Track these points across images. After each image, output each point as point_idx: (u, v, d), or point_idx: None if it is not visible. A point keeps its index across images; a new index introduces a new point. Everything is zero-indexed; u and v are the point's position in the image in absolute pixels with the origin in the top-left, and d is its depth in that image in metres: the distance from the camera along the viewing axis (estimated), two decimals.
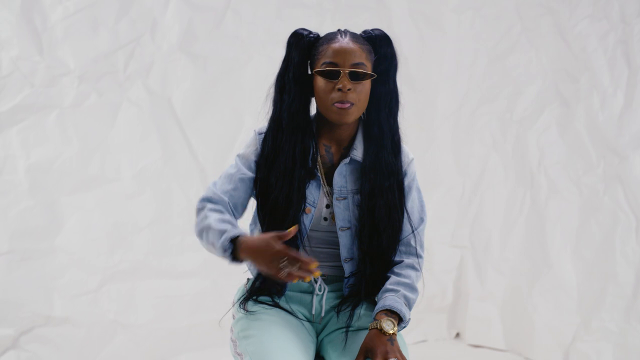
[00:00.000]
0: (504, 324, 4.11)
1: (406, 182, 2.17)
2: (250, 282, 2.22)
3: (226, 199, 2.11)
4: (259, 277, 2.16)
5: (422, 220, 2.20)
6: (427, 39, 4.24)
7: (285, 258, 1.81)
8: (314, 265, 1.80)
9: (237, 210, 2.15)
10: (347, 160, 2.12)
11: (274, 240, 1.85)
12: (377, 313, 2.03)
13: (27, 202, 3.44)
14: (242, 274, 2.34)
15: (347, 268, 2.16)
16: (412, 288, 2.10)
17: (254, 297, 2.17)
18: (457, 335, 4.34)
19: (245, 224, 2.24)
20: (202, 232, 2.06)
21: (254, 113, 3.83)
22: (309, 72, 2.13)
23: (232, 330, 2.18)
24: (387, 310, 2.03)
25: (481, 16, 4.20)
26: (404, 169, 2.17)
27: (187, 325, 3.76)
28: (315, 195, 2.12)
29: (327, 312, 2.19)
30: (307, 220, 2.12)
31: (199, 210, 2.11)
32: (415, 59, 4.22)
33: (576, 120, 3.88)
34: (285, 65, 2.13)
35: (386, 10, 4.14)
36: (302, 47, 2.10)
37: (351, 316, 2.12)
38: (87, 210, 3.58)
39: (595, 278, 3.78)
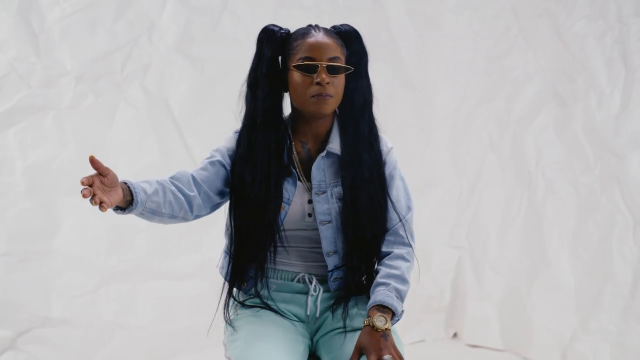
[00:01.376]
0: (502, 324, 4.11)
1: (387, 171, 2.17)
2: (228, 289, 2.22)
3: (190, 173, 2.14)
4: (237, 280, 2.17)
5: (409, 208, 2.19)
6: (425, 40, 4.24)
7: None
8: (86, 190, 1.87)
9: (200, 186, 2.13)
10: (323, 153, 2.13)
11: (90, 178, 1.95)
12: (370, 309, 2.03)
13: (25, 204, 3.44)
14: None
15: (330, 262, 2.15)
16: (403, 279, 2.09)
17: (244, 301, 2.18)
18: (455, 335, 4.35)
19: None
20: None
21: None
22: (281, 68, 2.13)
23: (224, 333, 2.19)
24: (379, 305, 2.02)
25: (479, 17, 4.21)
26: (383, 159, 2.17)
27: (185, 326, 3.76)
28: (290, 192, 2.13)
29: (321, 313, 2.19)
30: (281, 217, 2.13)
31: None
32: (413, 60, 4.22)
33: (573, 120, 3.89)
34: (257, 62, 2.14)
35: (384, 11, 4.14)
36: (274, 42, 2.12)
37: (345, 316, 2.12)
38: (85, 211, 3.57)
39: (593, 278, 3.78)
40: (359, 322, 2.12)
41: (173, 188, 2.08)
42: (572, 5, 3.89)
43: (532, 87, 4.06)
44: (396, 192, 2.18)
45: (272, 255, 2.14)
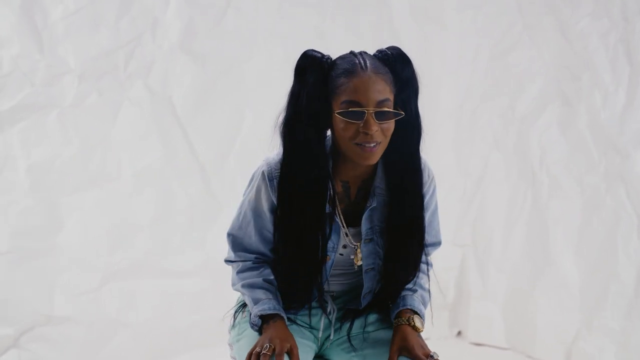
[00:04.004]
0: (506, 322, 4.10)
1: (425, 200, 2.07)
2: None
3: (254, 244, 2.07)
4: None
5: (438, 241, 2.20)
6: (428, 37, 4.23)
7: (273, 347, 1.84)
8: None
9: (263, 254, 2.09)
10: (372, 202, 2.00)
11: (286, 344, 1.88)
12: (402, 311, 2.02)
13: (28, 202, 3.44)
14: None
15: (365, 302, 2.12)
16: (426, 289, 2.14)
17: None
18: (459, 333, 4.34)
19: None
20: (238, 291, 2.10)
21: (255, 111, 3.85)
22: (325, 102, 1.89)
23: (229, 334, 2.18)
24: (409, 309, 2.04)
25: (483, 14, 4.19)
26: (425, 189, 2.07)
27: (188, 324, 3.76)
28: (334, 241, 2.03)
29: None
30: (326, 267, 2.04)
31: (231, 264, 2.11)
32: (416, 57, 4.18)
33: (578, 118, 3.87)
34: (296, 93, 1.89)
35: (387, 8, 4.13)
36: (317, 73, 1.88)
37: (350, 329, 2.11)
38: (87, 209, 3.58)
39: (597, 277, 3.77)
40: (376, 326, 2.11)
41: (268, 270, 2.07)
42: (577, 2, 3.88)
43: (536, 84, 4.04)
44: (430, 217, 2.12)
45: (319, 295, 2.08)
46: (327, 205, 1.95)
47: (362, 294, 2.10)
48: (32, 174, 3.45)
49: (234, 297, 2.30)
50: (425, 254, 2.16)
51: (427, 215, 2.09)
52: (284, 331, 1.93)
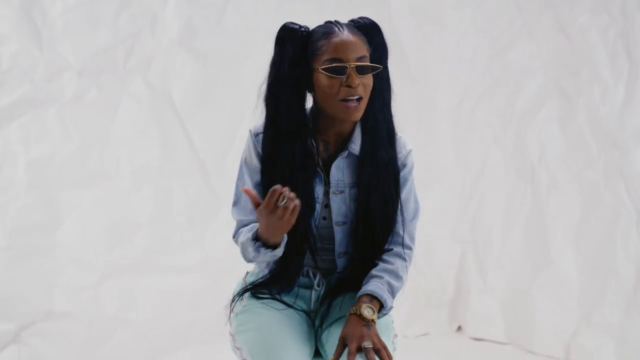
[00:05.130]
0: (505, 318, 4.11)
1: (402, 173, 2.13)
2: (253, 276, 2.21)
3: (254, 217, 2.08)
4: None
5: (416, 212, 2.18)
6: (427, 34, 4.23)
7: (283, 197, 1.83)
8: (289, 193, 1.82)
9: None
10: (345, 153, 2.09)
11: (264, 204, 1.85)
12: (359, 298, 2.02)
13: (27, 198, 3.44)
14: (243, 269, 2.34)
15: (340, 263, 2.14)
16: (397, 276, 2.08)
17: (253, 292, 2.16)
18: (459, 328, 4.34)
19: None
20: (246, 255, 2.06)
21: (254, 108, 3.85)
22: (304, 68, 2.03)
23: (230, 325, 2.17)
24: (369, 295, 2.02)
25: (481, 11, 4.19)
26: (401, 161, 2.13)
27: (187, 320, 3.76)
28: (319, 193, 2.09)
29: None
30: (315, 218, 2.10)
31: (237, 240, 2.11)
32: (415, 55, 4.21)
33: (577, 114, 3.88)
34: (277, 62, 2.05)
35: (386, 6, 4.13)
36: (295, 41, 2.03)
37: (328, 309, 2.12)
38: (87, 206, 3.58)
39: (596, 273, 3.77)
40: (346, 311, 2.10)
41: None
42: None
43: (535, 81, 4.04)
44: (406, 194, 2.15)
45: (313, 256, 2.12)
46: (310, 165, 2.06)
47: (336, 253, 2.13)
48: (32, 170, 3.45)
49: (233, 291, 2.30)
50: (407, 233, 2.15)
51: (404, 192, 2.14)
52: (259, 210, 1.91)
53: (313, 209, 2.07)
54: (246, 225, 2.10)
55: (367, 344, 1.91)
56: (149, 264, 3.70)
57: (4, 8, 3.38)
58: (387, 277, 2.06)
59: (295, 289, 2.17)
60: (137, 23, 3.64)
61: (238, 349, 2.09)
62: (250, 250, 1.99)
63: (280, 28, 2.07)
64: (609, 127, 3.77)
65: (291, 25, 2.06)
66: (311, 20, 2.18)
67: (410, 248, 2.16)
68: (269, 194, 1.82)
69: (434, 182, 4.27)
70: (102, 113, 3.60)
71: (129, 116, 3.65)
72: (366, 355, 1.90)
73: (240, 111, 3.83)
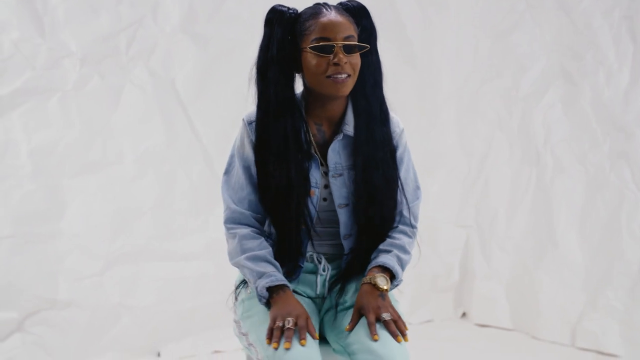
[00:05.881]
0: (510, 303, 4.11)
1: (398, 152, 2.16)
2: None
3: (248, 212, 2.12)
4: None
5: (417, 190, 2.21)
6: (430, 18, 4.22)
7: (294, 322, 1.91)
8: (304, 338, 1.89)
9: (260, 212, 2.14)
10: (340, 136, 2.11)
11: (304, 317, 1.93)
12: (370, 269, 2.05)
13: (30, 186, 3.43)
14: None
15: (347, 245, 2.16)
16: (405, 250, 2.12)
17: None
18: (464, 314, 4.34)
19: None
20: (237, 266, 2.11)
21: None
22: (292, 49, 2.08)
23: (235, 312, 2.18)
24: (380, 266, 2.06)
25: None
26: (395, 140, 2.16)
27: (190, 307, 3.77)
28: (316, 176, 2.11)
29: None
30: (313, 202, 2.12)
31: (229, 236, 2.14)
32: (418, 39, 4.19)
33: (581, 97, 3.86)
34: (266, 43, 2.08)
35: None
36: (284, 23, 2.07)
37: (341, 293, 2.13)
38: (90, 193, 3.57)
39: (601, 256, 3.77)
40: (354, 299, 2.11)
41: (268, 245, 2.13)
42: None
43: (539, 64, 4.03)
44: (405, 174, 2.18)
45: (310, 240, 2.14)
46: (304, 145, 2.10)
47: (342, 235, 2.15)
48: (34, 158, 3.44)
49: (236, 279, 2.30)
50: (411, 214, 2.18)
51: (402, 172, 2.17)
52: (295, 302, 1.98)
53: (308, 187, 2.09)
54: (235, 204, 2.13)
55: (387, 316, 1.95)
56: (152, 250, 3.70)
57: None
58: (395, 251, 2.10)
59: (301, 275, 2.18)
60: (139, 10, 3.62)
61: (243, 334, 2.09)
62: (251, 281, 2.05)
63: (269, 10, 2.10)
64: (614, 110, 3.75)
65: (280, 8, 2.09)
66: (309, 5, 2.17)
67: (414, 227, 2.20)
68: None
69: (438, 167, 4.26)
70: (104, 100, 3.59)
71: (131, 103, 3.64)
72: (386, 327, 1.93)
73: (243, 96, 3.81)
